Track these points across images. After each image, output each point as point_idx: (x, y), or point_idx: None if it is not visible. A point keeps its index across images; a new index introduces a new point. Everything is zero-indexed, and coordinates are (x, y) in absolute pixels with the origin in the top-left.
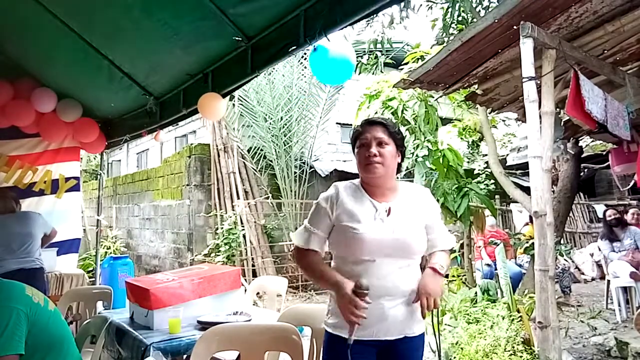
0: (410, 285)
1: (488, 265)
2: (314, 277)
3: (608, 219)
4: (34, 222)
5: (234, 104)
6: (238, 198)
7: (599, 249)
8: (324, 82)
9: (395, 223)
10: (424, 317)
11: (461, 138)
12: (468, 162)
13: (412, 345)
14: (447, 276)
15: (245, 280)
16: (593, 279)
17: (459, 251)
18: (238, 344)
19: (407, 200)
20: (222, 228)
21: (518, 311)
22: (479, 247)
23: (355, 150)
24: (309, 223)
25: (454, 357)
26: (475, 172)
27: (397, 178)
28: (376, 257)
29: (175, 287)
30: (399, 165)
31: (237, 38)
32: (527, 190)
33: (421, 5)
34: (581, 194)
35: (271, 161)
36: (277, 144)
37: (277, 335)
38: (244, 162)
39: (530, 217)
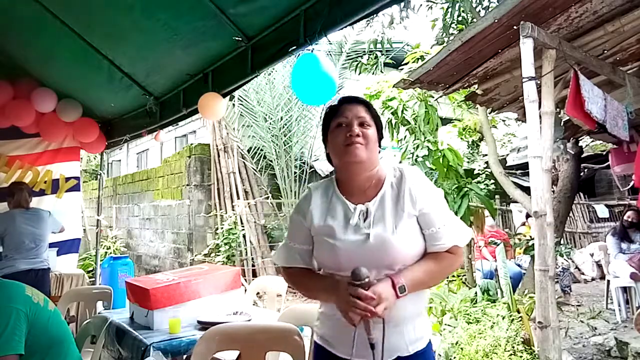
0: (404, 305)
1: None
2: (307, 292)
3: (627, 219)
4: (45, 222)
5: (234, 104)
6: (238, 198)
7: (600, 249)
8: (307, 103)
9: (373, 229)
10: (351, 322)
11: (461, 138)
12: (468, 162)
13: None
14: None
15: (245, 280)
16: (593, 279)
17: None
18: (239, 343)
19: (390, 193)
20: (222, 228)
21: (518, 311)
22: (479, 247)
23: (330, 133)
24: (288, 237)
25: (454, 357)
26: (475, 172)
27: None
28: None
29: (175, 287)
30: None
31: (237, 38)
32: (527, 190)
33: (421, 5)
34: (581, 194)
35: (271, 161)
36: (277, 144)
37: (279, 335)
38: (244, 162)
39: (527, 215)
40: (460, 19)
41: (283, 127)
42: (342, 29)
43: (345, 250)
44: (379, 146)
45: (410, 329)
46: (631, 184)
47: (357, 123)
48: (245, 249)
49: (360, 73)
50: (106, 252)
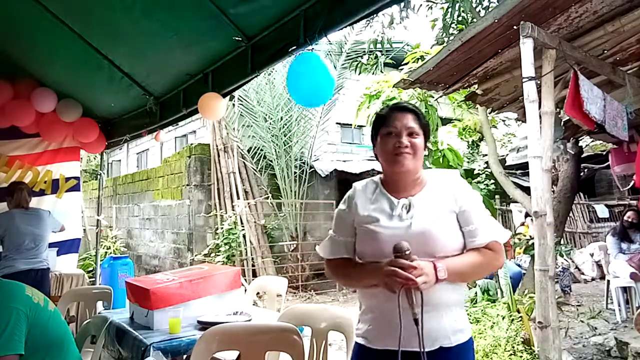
0: (442, 289)
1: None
2: (350, 280)
3: (627, 219)
4: (45, 222)
5: (234, 104)
6: (238, 198)
7: (600, 249)
8: (303, 105)
9: (415, 218)
10: (391, 290)
11: (461, 138)
12: (468, 162)
13: (448, 356)
14: None
15: (245, 280)
16: (593, 279)
17: None
18: (238, 344)
19: (432, 190)
20: (222, 228)
21: (518, 311)
22: None
23: (379, 138)
24: (332, 231)
25: None
26: (475, 172)
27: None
28: None
29: (175, 287)
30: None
31: (237, 38)
32: (527, 190)
33: (421, 5)
34: (581, 194)
35: (271, 161)
36: (277, 144)
37: (278, 335)
38: (244, 162)
39: (526, 214)
40: (460, 19)
41: (283, 127)
42: (342, 29)
43: (388, 237)
44: (424, 149)
45: (450, 316)
46: (631, 184)
47: (406, 133)
48: (245, 249)
49: (360, 73)
50: (106, 252)
